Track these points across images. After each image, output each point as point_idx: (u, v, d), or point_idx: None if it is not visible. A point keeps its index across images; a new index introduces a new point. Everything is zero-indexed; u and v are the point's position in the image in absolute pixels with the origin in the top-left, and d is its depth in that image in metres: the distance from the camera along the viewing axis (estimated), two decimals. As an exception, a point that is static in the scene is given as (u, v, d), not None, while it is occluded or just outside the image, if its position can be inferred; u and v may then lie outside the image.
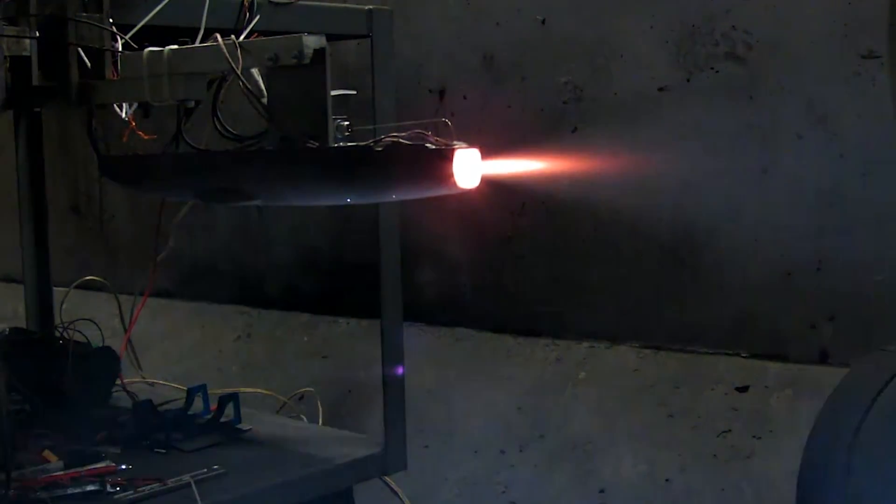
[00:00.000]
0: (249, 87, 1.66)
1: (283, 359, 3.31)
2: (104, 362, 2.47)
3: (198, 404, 2.35)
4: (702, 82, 2.58)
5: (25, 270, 2.90)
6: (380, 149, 1.61)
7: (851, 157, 2.39)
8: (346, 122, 1.66)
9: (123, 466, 2.05)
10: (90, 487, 1.96)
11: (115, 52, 1.81)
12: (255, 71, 1.71)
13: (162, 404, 2.42)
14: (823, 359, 2.46)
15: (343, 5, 2.26)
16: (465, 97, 2.99)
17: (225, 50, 1.63)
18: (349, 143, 1.66)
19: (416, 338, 2.83)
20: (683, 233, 2.62)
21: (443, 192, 1.63)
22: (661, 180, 2.62)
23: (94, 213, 4.03)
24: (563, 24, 2.80)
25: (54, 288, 2.89)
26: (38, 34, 1.82)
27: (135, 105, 1.86)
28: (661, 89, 2.64)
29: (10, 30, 1.85)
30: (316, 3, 2.19)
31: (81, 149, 3.80)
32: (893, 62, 2.30)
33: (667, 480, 2.49)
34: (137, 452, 2.15)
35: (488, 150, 1.62)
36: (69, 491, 1.94)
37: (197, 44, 1.75)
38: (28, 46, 1.85)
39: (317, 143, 1.63)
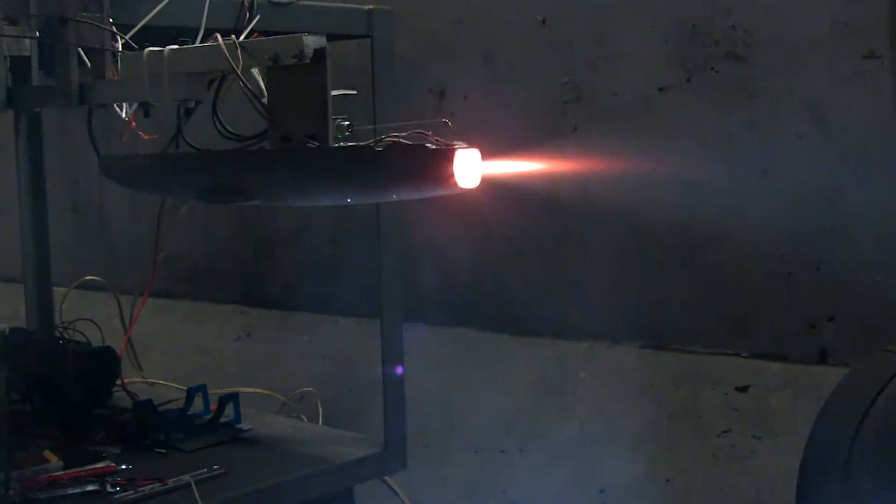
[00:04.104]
0: (249, 87, 1.66)
1: (283, 359, 3.31)
2: (104, 362, 2.47)
3: (198, 404, 2.35)
4: (702, 82, 2.58)
5: (25, 270, 2.89)
6: (380, 149, 1.61)
7: (851, 157, 2.39)
8: (347, 122, 1.66)
9: (123, 466, 2.05)
10: (90, 487, 1.96)
11: (115, 52, 1.81)
12: (255, 71, 1.71)
13: (162, 404, 2.42)
14: (823, 359, 2.46)
15: (343, 5, 2.25)
16: (465, 97, 2.99)
17: (225, 50, 1.63)
18: (349, 143, 1.66)
19: (416, 338, 2.83)
20: (684, 233, 2.62)
21: (443, 192, 1.63)
22: (662, 180, 2.62)
23: (93, 213, 4.03)
24: (563, 24, 2.80)
25: (54, 288, 2.89)
26: (38, 34, 1.83)
27: (135, 105, 1.86)
28: (661, 89, 2.64)
29: (10, 30, 1.85)
30: (316, 3, 2.19)
31: (81, 149, 3.80)
32: (894, 62, 2.30)
33: (667, 480, 2.49)
34: (137, 452, 2.15)
35: (488, 150, 1.62)
36: (69, 491, 1.94)
37: (197, 44, 1.75)
38: (28, 46, 1.85)
39: (317, 143, 1.63)
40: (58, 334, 2.57)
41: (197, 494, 1.93)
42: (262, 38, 1.71)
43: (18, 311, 3.02)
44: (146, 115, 1.82)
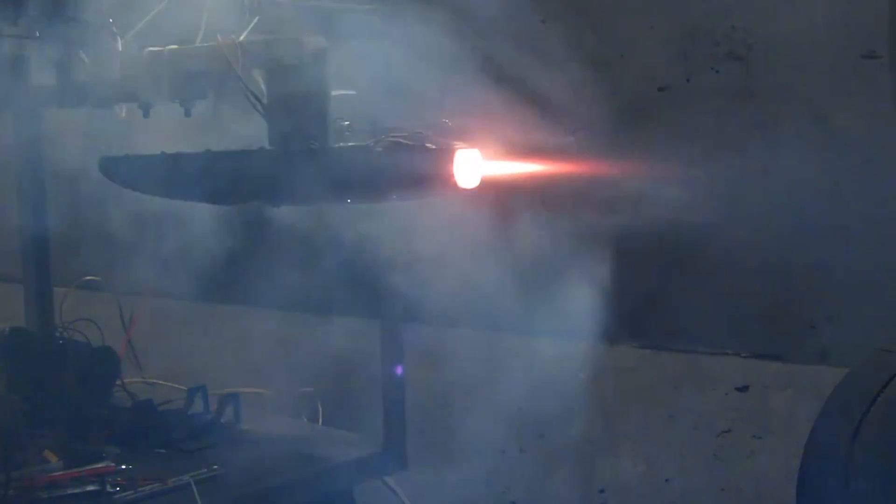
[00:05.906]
0: (249, 87, 1.66)
1: (283, 359, 3.31)
2: (104, 362, 2.47)
3: (198, 404, 2.35)
4: (702, 82, 2.58)
5: (25, 270, 2.89)
6: (380, 149, 1.61)
7: (851, 157, 2.39)
8: (346, 122, 1.67)
9: (123, 466, 2.05)
10: (90, 487, 1.96)
11: (115, 52, 1.81)
12: (255, 71, 1.72)
13: (162, 404, 2.42)
14: (823, 359, 2.45)
15: (343, 5, 2.25)
16: (465, 97, 2.98)
17: (225, 50, 1.63)
18: (349, 143, 1.66)
19: (415, 338, 2.83)
20: (683, 232, 2.62)
21: (443, 192, 1.64)
22: (661, 180, 2.62)
23: (95, 212, 4.02)
24: (563, 24, 2.80)
25: (54, 288, 2.89)
26: (38, 34, 1.83)
27: (135, 105, 1.86)
28: (661, 89, 2.64)
29: (11, 30, 1.85)
30: (316, 3, 2.19)
31: (81, 148, 3.80)
32: (894, 62, 2.30)
33: (667, 480, 2.49)
34: (137, 452, 2.15)
35: (488, 151, 1.62)
36: (69, 491, 1.94)
37: (197, 44, 1.75)
38: (28, 46, 1.86)
39: (317, 143, 1.63)
40: (58, 334, 2.57)
41: (197, 494, 1.93)
42: (262, 38, 1.71)
43: (18, 311, 3.02)
44: (146, 115, 1.82)
